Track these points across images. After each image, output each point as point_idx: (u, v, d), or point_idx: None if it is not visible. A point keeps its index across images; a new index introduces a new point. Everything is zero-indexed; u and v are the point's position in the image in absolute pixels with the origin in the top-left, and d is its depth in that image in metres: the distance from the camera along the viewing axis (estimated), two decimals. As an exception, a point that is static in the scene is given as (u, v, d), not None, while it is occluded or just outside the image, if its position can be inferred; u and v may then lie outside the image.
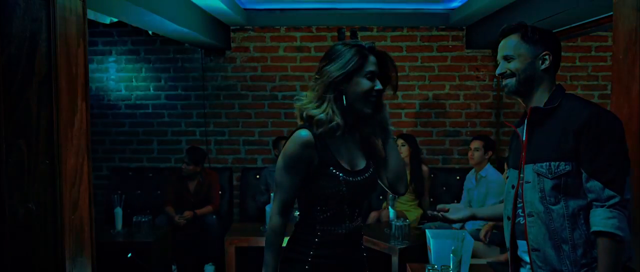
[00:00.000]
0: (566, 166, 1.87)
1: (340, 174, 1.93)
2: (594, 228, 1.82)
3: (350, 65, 1.88)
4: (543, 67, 1.96)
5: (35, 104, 2.12)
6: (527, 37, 1.97)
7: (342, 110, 1.93)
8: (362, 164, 2.02)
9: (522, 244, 2.02)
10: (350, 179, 1.94)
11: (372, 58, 1.92)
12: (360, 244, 2.11)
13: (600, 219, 1.80)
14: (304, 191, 1.98)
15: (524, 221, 1.98)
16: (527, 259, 1.98)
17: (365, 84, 1.90)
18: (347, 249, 2.04)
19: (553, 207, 1.90)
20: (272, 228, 1.97)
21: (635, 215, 2.12)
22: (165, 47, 5.72)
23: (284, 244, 2.05)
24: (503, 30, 2.03)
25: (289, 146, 1.92)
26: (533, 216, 1.94)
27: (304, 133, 1.91)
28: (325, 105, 1.91)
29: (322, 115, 1.90)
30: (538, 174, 1.92)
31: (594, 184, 1.82)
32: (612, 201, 1.79)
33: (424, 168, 5.14)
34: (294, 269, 1.99)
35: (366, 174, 2.01)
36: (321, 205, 1.96)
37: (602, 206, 1.81)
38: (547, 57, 1.96)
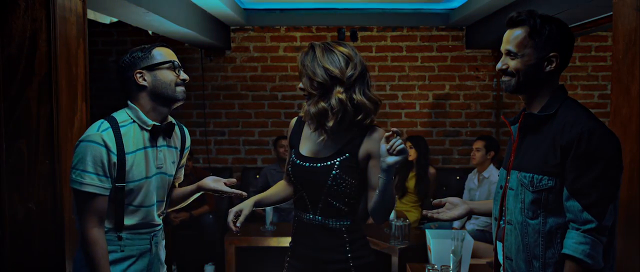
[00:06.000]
0: (549, 181, 1.76)
1: (293, 156, 2.11)
2: (564, 250, 1.73)
3: None
4: (548, 69, 1.80)
5: (35, 104, 2.12)
6: (535, 33, 1.78)
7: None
8: (324, 154, 2.05)
9: (501, 247, 1.94)
10: (297, 162, 2.08)
11: None
12: (336, 247, 2.05)
13: (572, 243, 1.71)
14: None
15: (504, 226, 1.91)
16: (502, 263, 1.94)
17: None
18: (318, 244, 2.05)
19: (530, 221, 1.80)
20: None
21: (636, 216, 2.12)
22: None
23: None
24: (511, 19, 1.84)
25: None
26: (511, 224, 1.86)
27: (293, 119, 2.21)
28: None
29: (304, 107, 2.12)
30: (521, 184, 1.83)
31: (573, 204, 1.72)
32: (588, 226, 1.69)
33: (431, 170, 5.14)
34: (287, 253, 2.18)
35: (318, 164, 2.03)
36: (292, 186, 2.16)
37: (577, 229, 1.71)
38: (554, 59, 1.79)
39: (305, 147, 2.10)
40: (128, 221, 1.99)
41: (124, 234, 1.99)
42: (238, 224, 2.07)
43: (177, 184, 2.26)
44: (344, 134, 2.04)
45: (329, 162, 2.02)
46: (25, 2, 2.10)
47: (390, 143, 1.85)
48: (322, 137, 2.02)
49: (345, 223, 2.05)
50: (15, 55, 2.11)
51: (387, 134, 1.85)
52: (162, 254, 2.16)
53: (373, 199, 1.99)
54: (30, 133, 2.12)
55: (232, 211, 2.11)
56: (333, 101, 1.96)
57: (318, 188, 2.03)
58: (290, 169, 2.10)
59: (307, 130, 2.11)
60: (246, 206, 2.13)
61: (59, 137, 2.15)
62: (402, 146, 1.83)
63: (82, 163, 1.87)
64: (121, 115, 1.99)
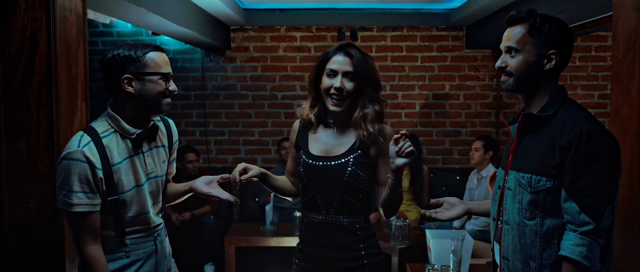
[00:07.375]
0: (547, 182, 1.75)
1: (303, 157, 2.12)
2: (561, 252, 1.73)
3: (317, 65, 2.09)
4: (548, 67, 1.79)
5: (35, 104, 2.12)
6: (535, 30, 1.78)
7: (322, 106, 2.13)
8: (337, 152, 2.09)
9: (498, 248, 1.94)
10: (309, 161, 2.09)
11: (336, 57, 2.05)
12: (351, 244, 2.09)
13: (569, 245, 1.70)
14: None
15: (501, 226, 1.90)
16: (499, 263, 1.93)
17: (325, 81, 2.06)
18: (333, 243, 2.07)
19: (528, 222, 1.80)
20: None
21: (635, 216, 2.12)
22: (165, 47, 5.72)
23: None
24: (510, 17, 1.84)
25: None
26: (509, 224, 1.86)
27: (297, 122, 2.24)
28: (313, 103, 2.15)
29: (302, 112, 2.17)
30: (519, 184, 1.82)
31: (571, 206, 1.71)
32: (585, 228, 1.69)
33: (425, 168, 5.15)
34: (294, 255, 2.19)
35: (332, 162, 2.07)
36: (300, 188, 2.17)
37: (575, 231, 1.70)
38: (554, 56, 1.78)
39: (316, 147, 2.12)
40: (129, 228, 1.96)
41: (128, 240, 1.97)
42: (243, 178, 2.05)
43: (170, 178, 2.22)
44: (353, 132, 2.11)
45: (343, 160, 2.06)
46: (25, 2, 2.10)
47: (399, 145, 1.89)
48: (338, 135, 2.10)
49: (358, 220, 2.10)
50: (15, 55, 2.11)
51: (396, 136, 1.90)
52: (168, 249, 2.16)
53: (383, 196, 2.04)
54: (30, 133, 2.12)
55: (241, 165, 2.08)
56: (379, 104, 2.08)
57: (334, 186, 2.06)
58: (301, 169, 2.10)
59: (313, 133, 2.16)
60: (255, 168, 2.11)
61: (59, 137, 2.14)
62: (411, 148, 1.88)
63: (67, 183, 1.80)
64: (101, 125, 1.91)
